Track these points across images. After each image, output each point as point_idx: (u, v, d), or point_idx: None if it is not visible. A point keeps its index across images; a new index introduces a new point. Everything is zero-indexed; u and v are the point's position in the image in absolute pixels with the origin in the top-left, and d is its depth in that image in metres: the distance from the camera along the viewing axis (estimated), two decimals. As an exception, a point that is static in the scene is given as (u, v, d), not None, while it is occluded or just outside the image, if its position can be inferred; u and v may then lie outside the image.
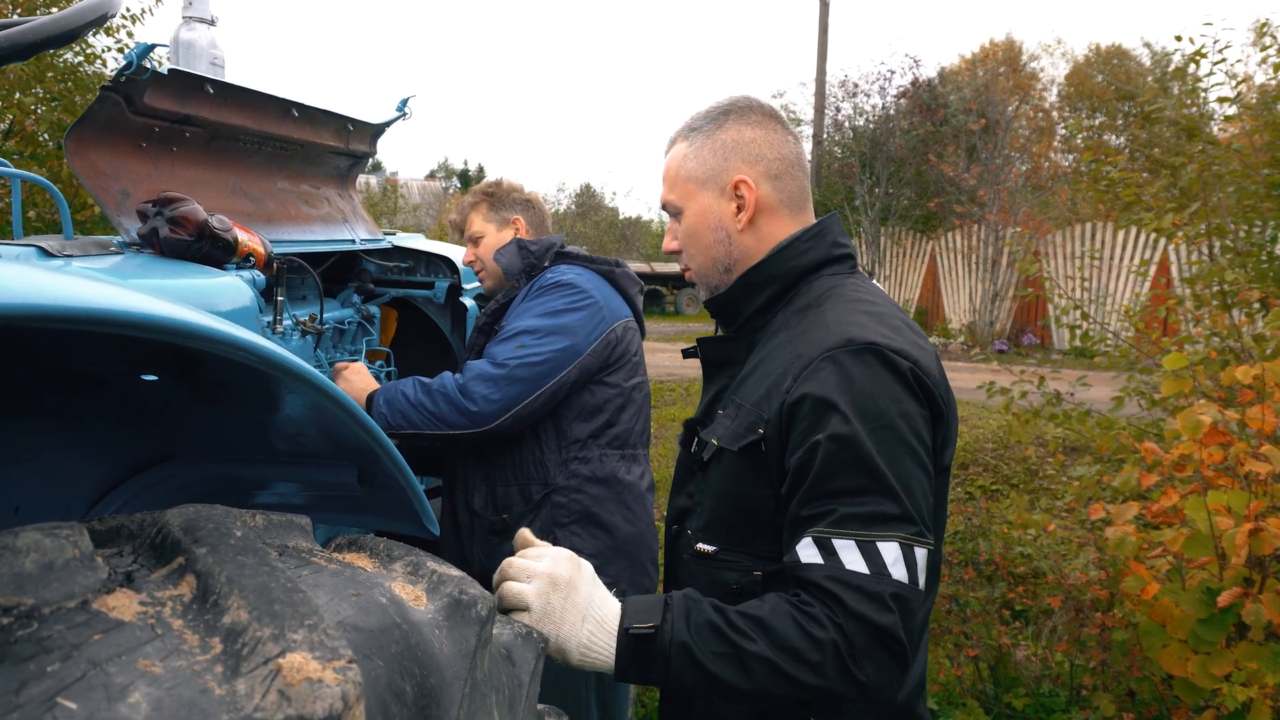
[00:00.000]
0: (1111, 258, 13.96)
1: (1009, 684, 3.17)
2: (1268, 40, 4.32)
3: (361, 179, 3.09)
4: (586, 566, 1.12)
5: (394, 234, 3.09)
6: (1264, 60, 4.24)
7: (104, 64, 7.60)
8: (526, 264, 2.26)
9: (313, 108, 2.38)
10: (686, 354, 1.51)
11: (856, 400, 1.10)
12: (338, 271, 2.75)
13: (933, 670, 3.44)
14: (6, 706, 0.36)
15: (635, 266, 24.40)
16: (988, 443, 7.48)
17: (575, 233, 27.99)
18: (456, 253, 2.95)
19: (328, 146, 2.55)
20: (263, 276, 1.84)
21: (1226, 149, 4.16)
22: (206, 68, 2.24)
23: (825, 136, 17.67)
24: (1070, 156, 19.38)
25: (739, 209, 1.32)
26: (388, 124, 2.82)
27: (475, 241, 2.45)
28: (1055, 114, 21.57)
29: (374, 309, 2.83)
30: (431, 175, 60.86)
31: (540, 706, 1.10)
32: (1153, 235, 3.87)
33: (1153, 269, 13.10)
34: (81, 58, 7.36)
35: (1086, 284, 4.38)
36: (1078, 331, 4.12)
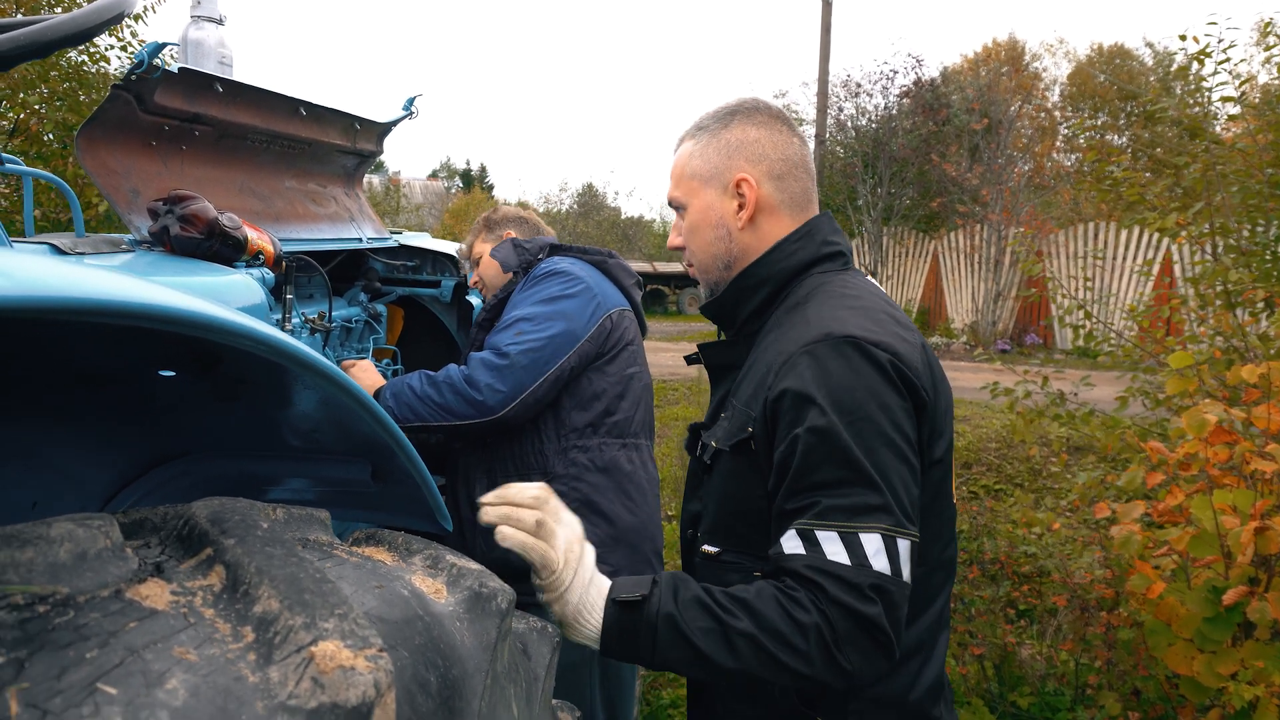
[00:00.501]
0: (1115, 257, 13.95)
1: (1014, 683, 3.17)
2: (1271, 39, 4.31)
3: (365, 178, 3.10)
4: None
5: (400, 232, 3.10)
6: (1268, 60, 4.24)
7: (108, 63, 7.61)
8: (522, 259, 2.29)
9: (320, 106, 2.39)
10: (690, 360, 1.53)
11: (834, 394, 1.11)
12: (345, 270, 2.76)
13: (937, 669, 3.44)
14: (49, 692, 0.36)
15: (637, 266, 24.41)
16: (991, 442, 7.47)
17: (578, 232, 27.99)
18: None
19: (335, 145, 2.56)
20: (272, 274, 1.85)
21: (1230, 148, 4.16)
22: (215, 66, 2.25)
23: (828, 136, 17.67)
24: (1073, 156, 19.37)
25: (740, 207, 1.34)
26: (394, 123, 2.82)
27: (476, 262, 2.50)
28: (1058, 114, 21.55)
29: (380, 307, 2.84)
30: (434, 175, 60.89)
31: (555, 702, 1.10)
32: (1156, 235, 3.88)
33: (1156, 268, 13.10)
34: (85, 57, 7.37)
35: (1090, 283, 4.37)
36: (1081, 331, 4.12)
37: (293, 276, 2.01)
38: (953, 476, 1.33)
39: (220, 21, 2.31)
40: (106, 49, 7.63)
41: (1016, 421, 3.84)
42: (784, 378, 1.16)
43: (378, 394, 2.09)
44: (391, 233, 2.99)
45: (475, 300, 2.93)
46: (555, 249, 2.35)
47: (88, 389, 0.95)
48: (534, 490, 1.09)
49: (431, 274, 2.93)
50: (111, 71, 7.48)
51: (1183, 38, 4.24)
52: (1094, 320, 4.03)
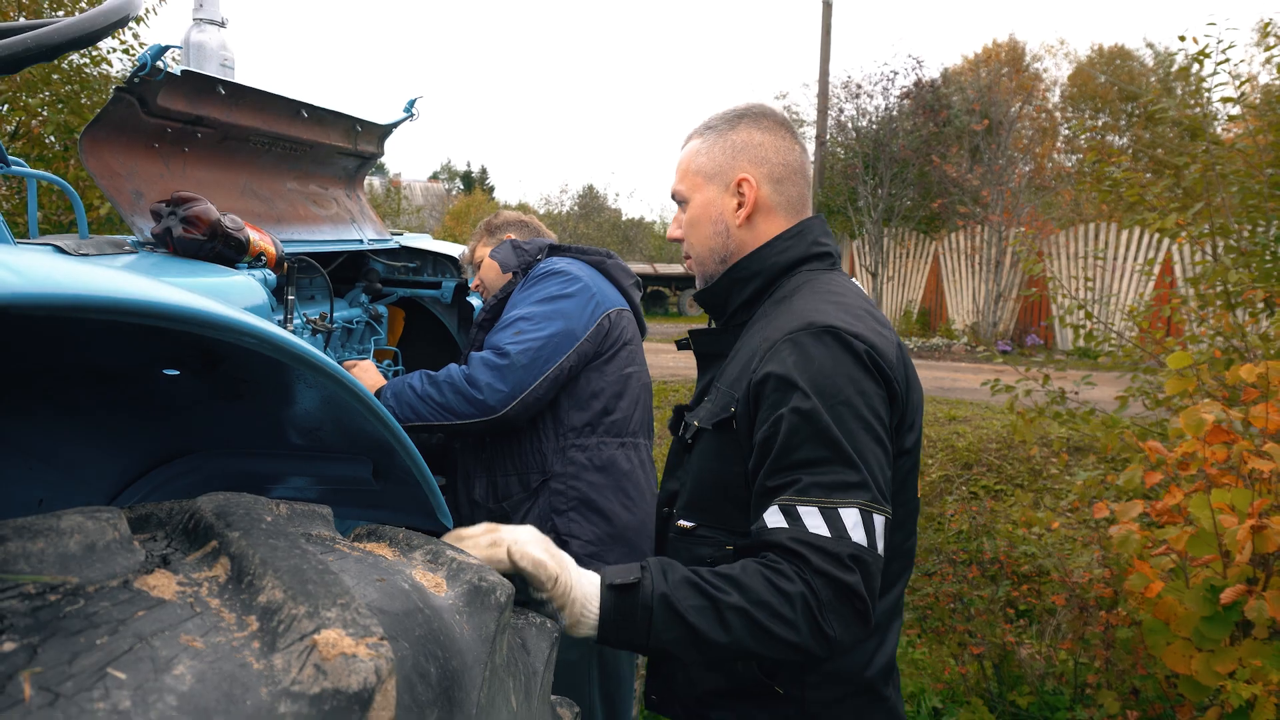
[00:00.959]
0: (1116, 258, 13.95)
1: (1013, 682, 3.18)
2: (1271, 40, 4.32)
3: (365, 180, 3.12)
4: None
5: (401, 234, 3.11)
6: (1268, 60, 4.24)
7: (109, 65, 7.63)
8: (521, 260, 2.31)
9: (321, 109, 2.40)
10: (680, 345, 1.60)
11: (815, 379, 1.19)
12: (346, 271, 2.77)
13: (937, 668, 3.45)
14: (60, 676, 0.37)
15: (638, 267, 24.44)
16: (991, 443, 7.49)
17: (578, 234, 28.02)
18: (461, 252, 2.98)
19: (336, 147, 2.57)
20: (274, 275, 1.87)
21: (1230, 149, 4.17)
22: (217, 69, 2.26)
23: (828, 137, 17.68)
24: (1073, 157, 19.37)
25: (739, 205, 1.42)
26: (395, 125, 2.84)
27: (478, 266, 2.51)
28: (1058, 114, 21.56)
29: (381, 308, 2.85)
30: (435, 177, 60.94)
31: (554, 697, 1.11)
32: (1156, 235, 3.89)
33: (1157, 269, 13.10)
34: (88, 60, 7.39)
35: (1091, 284, 4.38)
36: (1081, 331, 4.13)
37: (294, 278, 2.03)
38: (919, 472, 1.39)
39: (222, 24, 2.32)
40: (109, 51, 7.64)
41: (1016, 421, 3.85)
42: (768, 362, 1.23)
43: (379, 394, 2.10)
44: (392, 234, 3.00)
45: (476, 301, 2.94)
46: (554, 249, 2.37)
47: (94, 386, 0.97)
48: (480, 527, 1.09)
49: (432, 275, 2.94)
50: (113, 74, 7.50)
51: (1182, 39, 4.25)
52: (1094, 320, 4.04)
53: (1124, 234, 13.81)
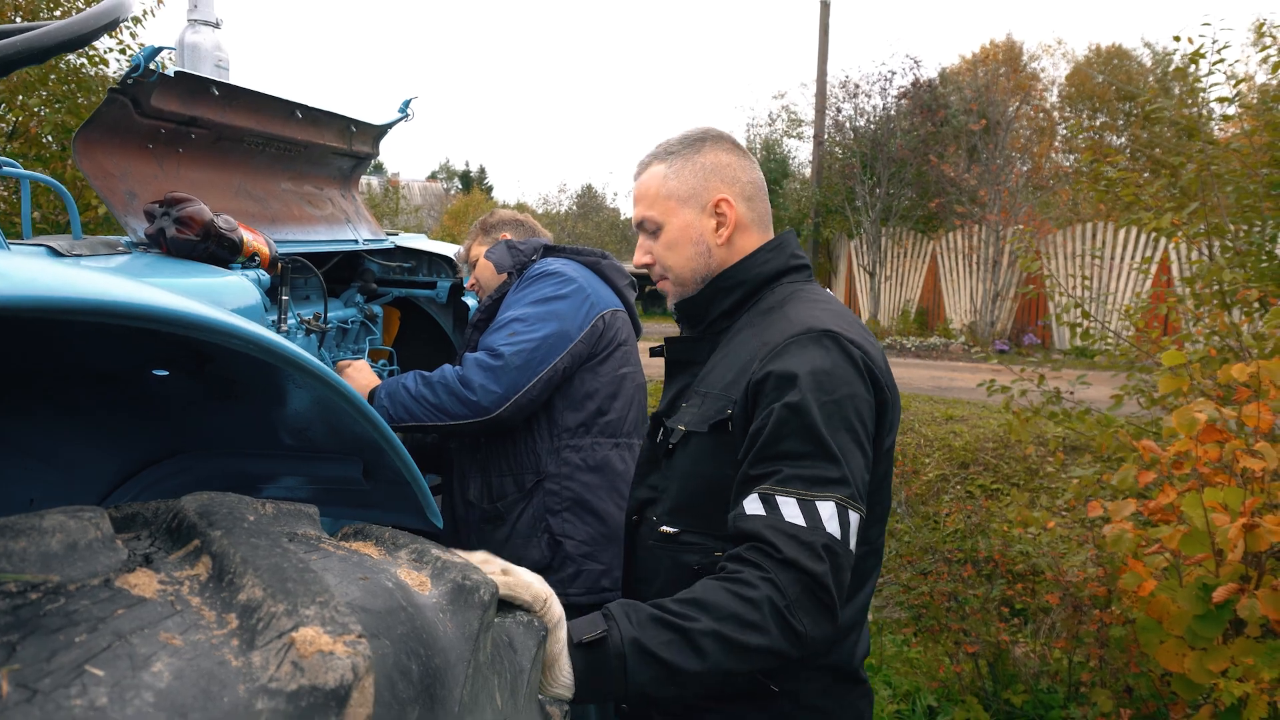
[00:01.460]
0: (1113, 257, 13.96)
1: (1008, 681, 3.18)
2: (1267, 40, 4.33)
3: (362, 180, 3.12)
4: None
5: (396, 234, 3.11)
6: (1264, 60, 4.25)
7: (106, 65, 7.63)
8: (516, 261, 2.31)
9: (316, 109, 2.40)
10: (654, 352, 1.62)
11: (814, 376, 1.24)
12: (341, 271, 2.77)
13: (931, 667, 3.46)
14: (39, 673, 0.38)
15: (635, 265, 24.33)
16: (988, 442, 7.49)
17: (577, 233, 28.01)
18: (457, 252, 2.98)
19: (331, 147, 2.57)
20: (268, 276, 1.87)
21: (1226, 149, 4.18)
22: (211, 70, 2.27)
23: (826, 137, 17.69)
24: (1071, 157, 19.37)
25: (719, 225, 1.46)
26: (390, 125, 2.84)
27: (473, 265, 2.51)
28: (1056, 114, 21.56)
29: (377, 308, 2.85)
30: (433, 176, 60.91)
31: (541, 696, 1.12)
32: (1153, 234, 3.89)
33: (1153, 268, 13.11)
34: (84, 60, 7.39)
35: (1088, 282, 4.39)
36: (1078, 330, 4.13)
37: (288, 278, 2.03)
38: (893, 472, 1.42)
39: (217, 25, 2.33)
40: (106, 51, 7.65)
41: (1012, 421, 3.86)
42: (770, 363, 1.28)
43: (372, 394, 2.11)
44: (388, 234, 3.01)
45: (471, 301, 2.95)
46: (549, 250, 2.37)
47: (93, 387, 0.97)
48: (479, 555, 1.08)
49: (427, 275, 2.94)
50: (111, 74, 7.49)
51: (1177, 39, 4.26)
52: (1091, 319, 4.05)
53: (1121, 233, 13.82)
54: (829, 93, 17.49)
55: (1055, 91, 26.13)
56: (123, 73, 1.72)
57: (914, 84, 16.08)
